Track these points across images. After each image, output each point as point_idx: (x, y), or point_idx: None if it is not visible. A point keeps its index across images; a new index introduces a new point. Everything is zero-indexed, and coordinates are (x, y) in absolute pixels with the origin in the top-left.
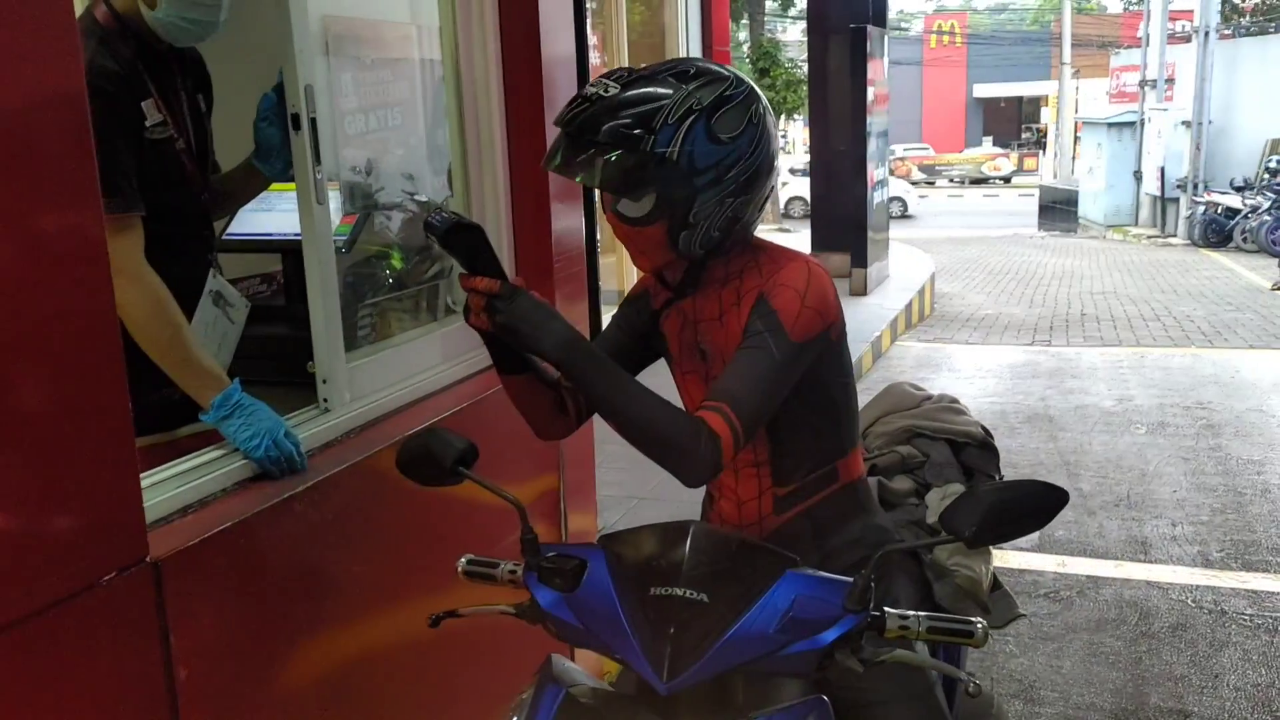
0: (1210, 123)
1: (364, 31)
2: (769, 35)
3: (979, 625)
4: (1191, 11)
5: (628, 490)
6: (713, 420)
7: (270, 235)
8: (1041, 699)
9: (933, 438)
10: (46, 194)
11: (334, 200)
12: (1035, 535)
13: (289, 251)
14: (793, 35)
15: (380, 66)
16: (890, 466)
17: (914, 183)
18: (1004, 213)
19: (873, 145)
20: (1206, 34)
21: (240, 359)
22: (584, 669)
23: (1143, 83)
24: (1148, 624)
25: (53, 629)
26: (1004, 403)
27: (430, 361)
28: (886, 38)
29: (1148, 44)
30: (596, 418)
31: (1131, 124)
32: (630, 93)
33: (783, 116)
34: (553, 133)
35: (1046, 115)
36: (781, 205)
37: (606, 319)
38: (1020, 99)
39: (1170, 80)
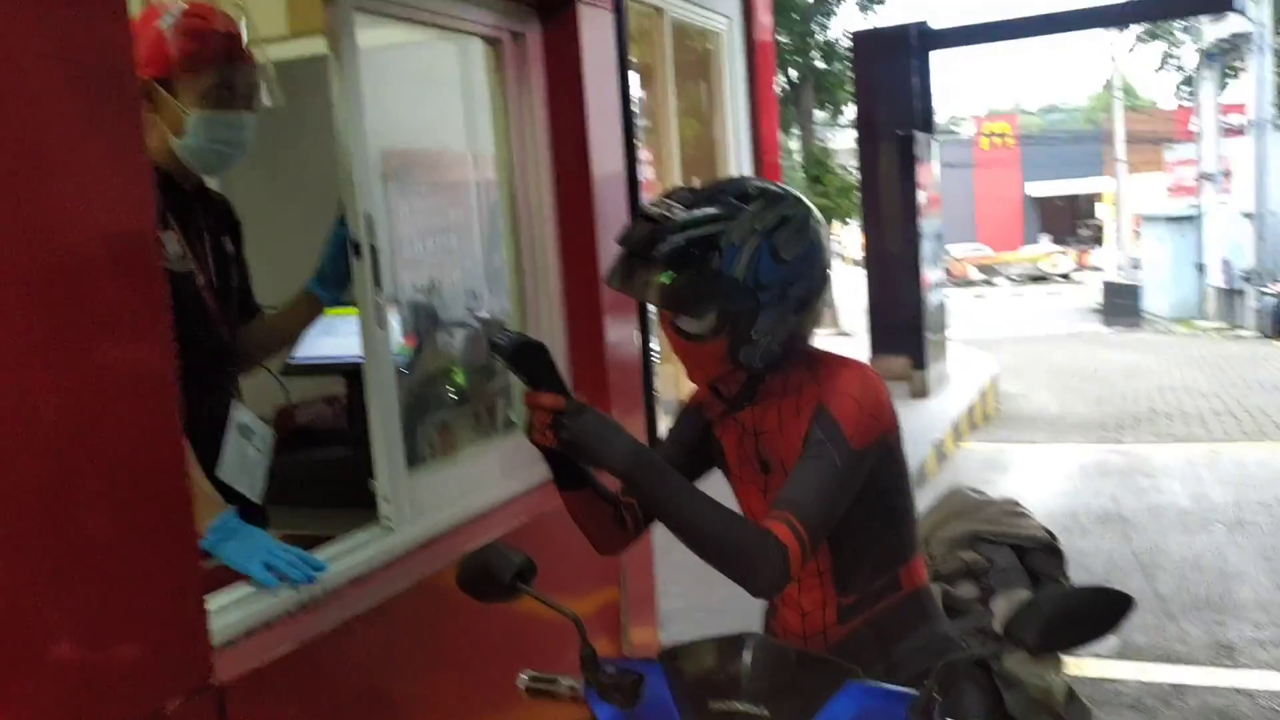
0: (1273, 214)
1: (421, 161)
2: (820, 143)
3: None
4: (1244, 105)
5: (691, 602)
6: (780, 531)
7: (333, 358)
8: None
9: (996, 542)
10: (118, 328)
11: (395, 322)
12: (1116, 642)
13: (351, 374)
14: (843, 142)
15: (437, 193)
16: (954, 573)
17: (972, 282)
18: (1067, 310)
19: (926, 247)
20: (1263, 126)
21: (306, 482)
22: None
23: (1201, 176)
24: None
25: None
26: (1074, 503)
27: (490, 477)
28: (935, 143)
29: (1202, 138)
30: (656, 529)
31: (1191, 217)
32: (694, 213)
33: (834, 222)
34: (604, 249)
35: (1100, 211)
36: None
37: (663, 427)
38: (1075, 196)
39: (1227, 173)
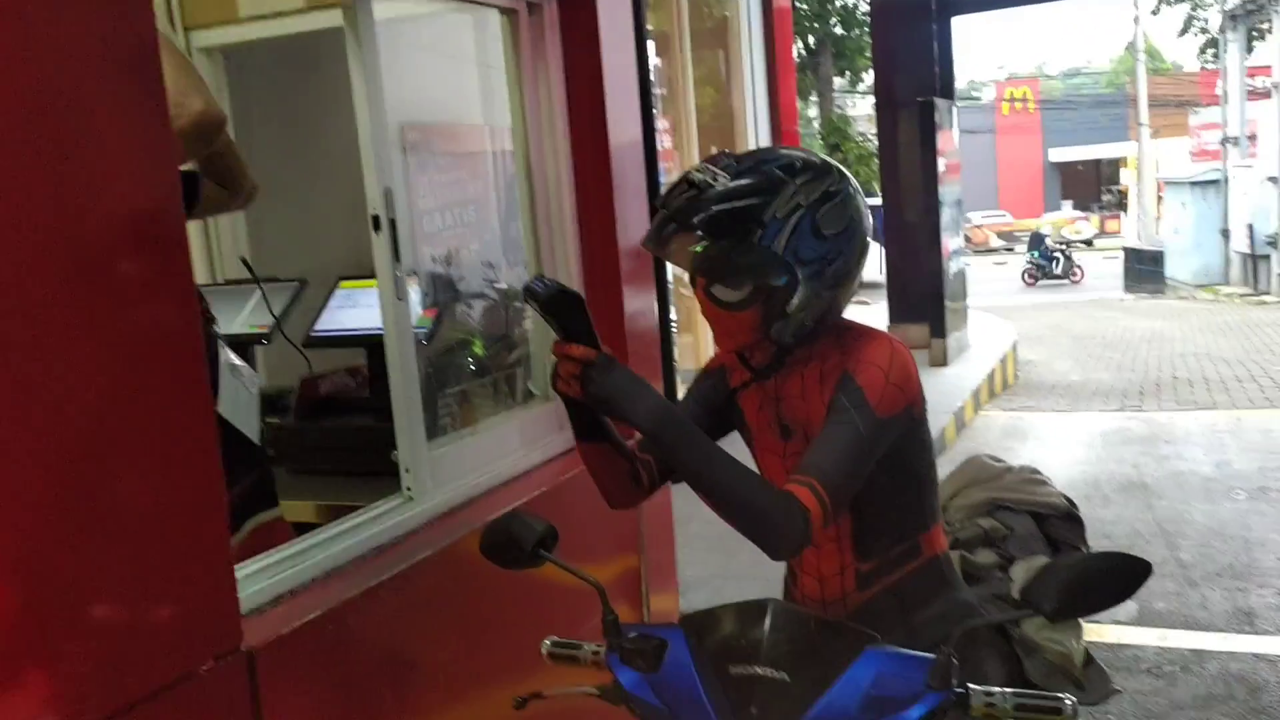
0: None
1: (439, 133)
2: (839, 111)
3: (1067, 701)
4: (1269, 67)
5: (711, 570)
6: (802, 494)
7: (354, 331)
8: None
9: (1015, 510)
10: (147, 296)
11: (415, 294)
12: (1134, 609)
13: (373, 345)
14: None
15: (455, 166)
16: (973, 540)
17: (993, 249)
18: (1089, 275)
19: (946, 215)
20: None
21: (330, 450)
22: None
23: (1224, 140)
24: (1256, 699)
25: (154, 716)
26: (1096, 471)
27: (511, 447)
28: (955, 109)
29: (1226, 101)
30: (676, 498)
31: (1215, 182)
32: (738, 183)
33: None
34: (622, 219)
35: (1124, 176)
36: None
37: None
38: (1098, 161)
39: (1252, 137)
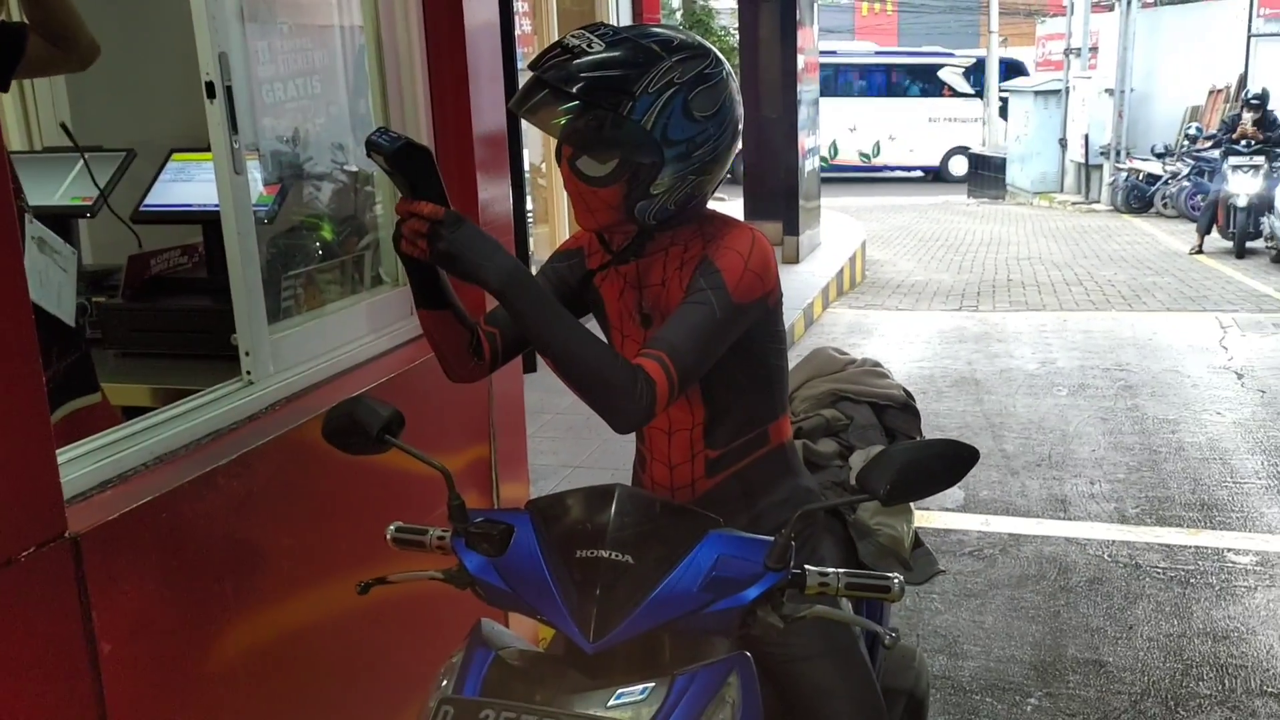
0: (1132, 90)
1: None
2: (701, 3)
3: (895, 580)
4: None
5: (562, 459)
6: (650, 366)
7: (189, 207)
8: (964, 653)
9: (856, 401)
10: None
11: (255, 170)
12: (960, 495)
13: (209, 223)
14: (725, 2)
15: (299, 34)
16: (815, 429)
17: None
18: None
19: (804, 113)
20: (1129, 2)
21: (163, 331)
22: (519, 635)
23: (1067, 51)
24: (1066, 579)
25: None
26: (932, 367)
27: (357, 332)
28: (816, 5)
29: (1072, 12)
30: (528, 389)
31: (1057, 92)
32: (613, 53)
33: None
34: (477, 102)
35: None
36: None
37: None
38: None
39: (1094, 48)
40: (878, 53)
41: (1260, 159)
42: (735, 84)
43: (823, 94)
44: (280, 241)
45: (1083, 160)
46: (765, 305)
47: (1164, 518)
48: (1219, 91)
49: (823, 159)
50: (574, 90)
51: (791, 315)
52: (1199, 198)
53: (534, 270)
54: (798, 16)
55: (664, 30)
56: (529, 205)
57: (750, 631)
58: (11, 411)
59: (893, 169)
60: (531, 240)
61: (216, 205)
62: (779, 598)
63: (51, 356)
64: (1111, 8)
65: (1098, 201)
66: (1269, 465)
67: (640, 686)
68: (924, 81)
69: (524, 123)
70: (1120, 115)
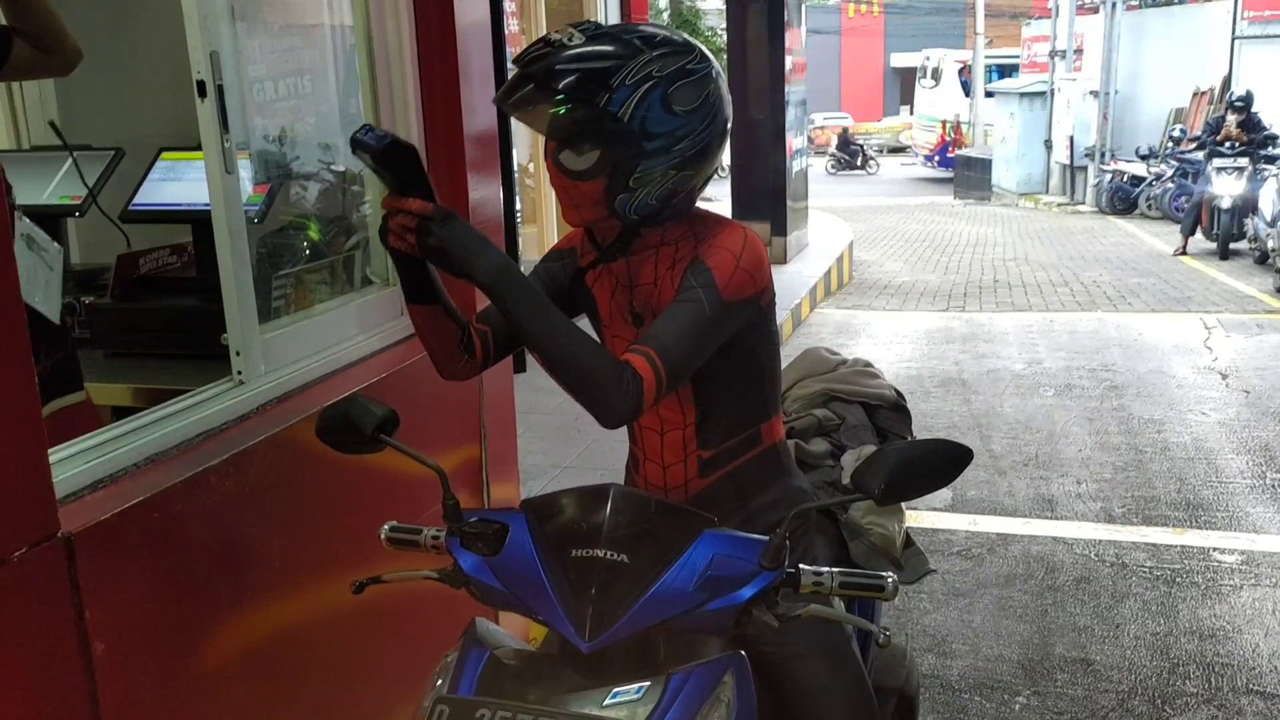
0: (1117, 92)
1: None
2: (689, 3)
3: (889, 579)
4: None
5: (552, 459)
6: (637, 363)
7: (179, 206)
8: (953, 652)
9: (848, 401)
10: None
11: (245, 170)
12: (949, 495)
13: (199, 222)
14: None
15: (290, 33)
16: (807, 429)
17: (834, 152)
18: (921, 180)
19: (791, 114)
20: (1114, 5)
21: (152, 331)
22: (510, 633)
23: (1052, 53)
24: (1053, 578)
25: None
26: (920, 368)
27: (348, 332)
28: (804, 6)
29: (1057, 14)
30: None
31: (1042, 94)
32: (593, 47)
33: None
34: (468, 101)
35: None
36: None
37: None
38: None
39: (1079, 50)
40: None
41: (1244, 161)
42: (723, 82)
43: None
44: (270, 241)
45: (1068, 162)
46: (757, 304)
47: (1150, 517)
48: (1203, 94)
49: None
50: (553, 83)
51: (779, 315)
52: (1183, 199)
53: (525, 270)
54: (786, 17)
55: (650, 28)
56: (518, 205)
57: (745, 631)
58: (3, 411)
59: None
60: (520, 240)
61: (206, 204)
62: (774, 597)
63: (38, 354)
64: (1096, 10)
65: (1083, 203)
66: (1253, 465)
67: (635, 685)
68: None
69: (513, 121)
70: (1105, 117)
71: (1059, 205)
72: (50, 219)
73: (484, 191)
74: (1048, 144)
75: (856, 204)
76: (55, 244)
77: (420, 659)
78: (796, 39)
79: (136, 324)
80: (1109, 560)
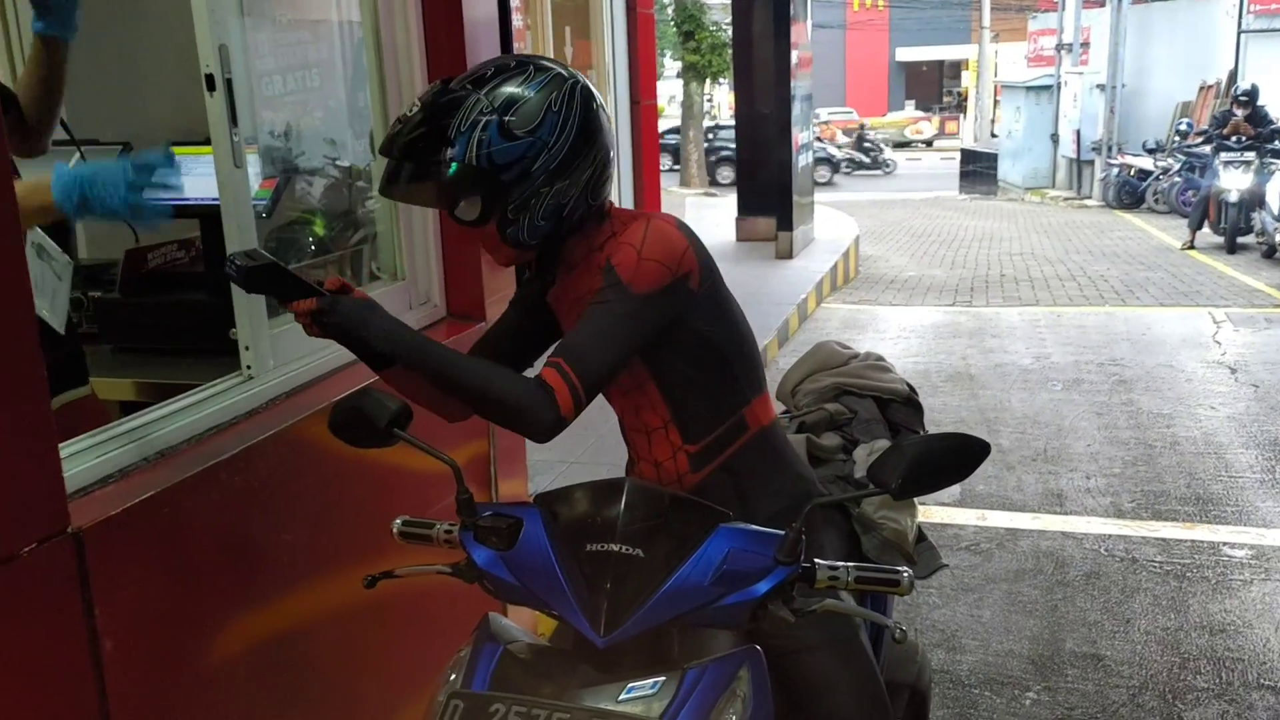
0: (1124, 86)
1: None
2: None
3: (905, 574)
4: None
5: (559, 455)
6: (548, 376)
7: (187, 200)
8: (963, 647)
9: (860, 395)
10: None
11: (253, 164)
12: (957, 490)
13: (207, 216)
14: None
15: (298, 27)
16: (819, 423)
17: (839, 146)
18: (926, 175)
19: (797, 109)
20: None
21: (160, 326)
22: (521, 627)
23: (1059, 46)
24: (1063, 573)
25: None
26: (927, 362)
27: None
28: (810, 1)
29: (1063, 8)
30: None
31: (1049, 88)
32: (427, 111)
33: (708, 80)
34: None
35: (967, 79)
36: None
37: None
38: (941, 63)
39: (1085, 44)
40: None
41: (1251, 155)
42: (568, 88)
43: None
44: (278, 236)
45: (1074, 156)
46: (685, 288)
47: (1160, 512)
48: (1210, 87)
49: None
50: (406, 160)
51: (786, 310)
52: (1190, 193)
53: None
54: (791, 11)
55: (488, 65)
56: None
57: (760, 625)
58: (14, 407)
59: None
60: None
61: (214, 199)
62: (789, 591)
63: (44, 349)
64: (1103, 3)
65: (1089, 197)
66: (1263, 459)
67: (651, 680)
68: None
69: None
70: (1112, 111)
71: (1065, 200)
72: None
73: None
74: (1054, 138)
75: (862, 199)
76: (65, 255)
77: (434, 654)
78: (802, 33)
79: (145, 319)
80: (1119, 555)
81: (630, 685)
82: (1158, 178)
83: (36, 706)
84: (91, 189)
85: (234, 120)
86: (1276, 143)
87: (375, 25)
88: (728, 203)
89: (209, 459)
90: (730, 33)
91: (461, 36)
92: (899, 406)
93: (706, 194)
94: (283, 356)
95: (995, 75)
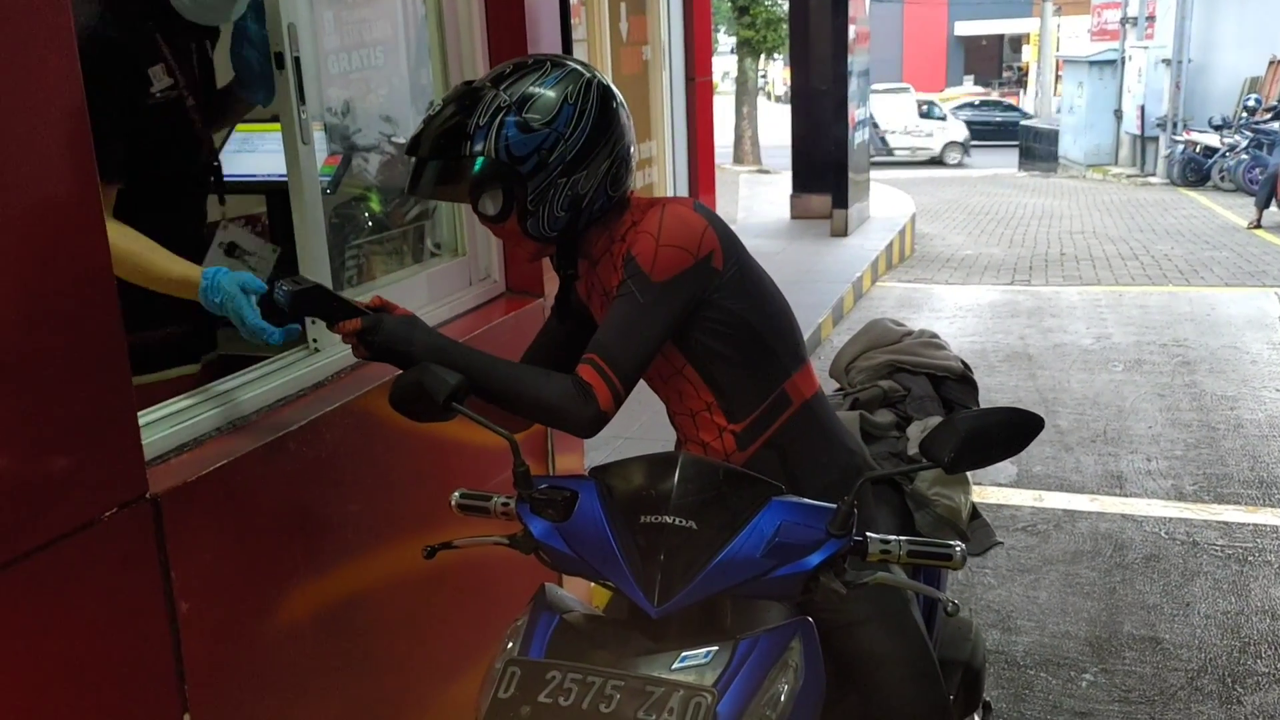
0: (1190, 61)
1: None
2: None
3: (957, 548)
4: None
5: (614, 430)
6: (584, 372)
7: (254, 177)
8: (1018, 628)
9: (913, 372)
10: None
11: (318, 140)
12: (1014, 471)
13: (274, 193)
14: None
15: (362, 5)
16: (872, 400)
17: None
18: (984, 153)
19: (854, 85)
20: None
21: None
22: (576, 597)
23: (1124, 20)
24: (1122, 555)
25: (57, 564)
26: (984, 341)
27: (417, 302)
28: None
29: None
30: None
31: (1112, 62)
32: (448, 107)
33: (763, 56)
34: None
35: (1027, 53)
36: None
37: None
38: (1002, 37)
39: (1151, 18)
40: None
41: None
42: (584, 83)
43: None
44: (340, 212)
45: (1138, 132)
46: (708, 269)
47: (1222, 495)
48: (1279, 62)
49: None
50: (428, 153)
51: (840, 288)
52: (1257, 171)
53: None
54: None
55: (508, 65)
56: None
57: (812, 597)
58: (96, 376)
59: None
60: None
61: (281, 175)
62: (841, 564)
63: (162, 322)
64: None
65: (1153, 174)
66: None
67: (704, 650)
68: None
69: None
70: (1177, 86)
71: (1128, 177)
72: None
73: None
74: (1118, 114)
75: (918, 175)
76: (270, 247)
77: (490, 622)
78: (860, 6)
79: None
80: (1179, 538)
81: (684, 654)
82: (1224, 155)
83: (116, 664)
84: (223, 307)
85: (302, 98)
86: None
87: (438, 2)
88: (783, 180)
89: (279, 429)
90: (786, 7)
91: (522, 12)
92: (953, 383)
93: (760, 170)
94: None
95: (1057, 50)
